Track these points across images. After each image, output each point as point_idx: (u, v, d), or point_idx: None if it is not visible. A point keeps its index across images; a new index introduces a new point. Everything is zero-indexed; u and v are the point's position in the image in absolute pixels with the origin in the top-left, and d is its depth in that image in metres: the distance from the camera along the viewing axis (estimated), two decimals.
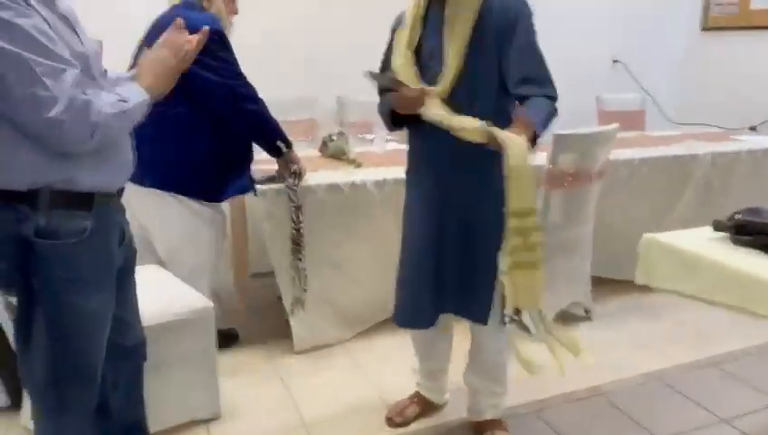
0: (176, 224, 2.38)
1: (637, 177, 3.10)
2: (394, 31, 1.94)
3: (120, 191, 1.48)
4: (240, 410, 2.23)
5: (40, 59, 1.19)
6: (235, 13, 2.55)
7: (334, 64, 3.88)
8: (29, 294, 1.34)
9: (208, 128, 2.32)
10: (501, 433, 2.09)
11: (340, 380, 2.46)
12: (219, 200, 2.45)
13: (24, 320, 1.37)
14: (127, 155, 1.45)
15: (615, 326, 2.95)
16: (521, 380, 2.22)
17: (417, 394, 2.22)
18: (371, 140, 3.40)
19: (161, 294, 2.11)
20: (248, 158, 2.47)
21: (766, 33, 4.47)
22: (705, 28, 4.86)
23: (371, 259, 2.68)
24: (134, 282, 1.62)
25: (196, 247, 2.41)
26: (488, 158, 1.66)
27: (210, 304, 2.13)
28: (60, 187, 1.31)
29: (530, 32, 1.78)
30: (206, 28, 1.49)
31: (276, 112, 3.74)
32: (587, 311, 3.02)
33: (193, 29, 1.49)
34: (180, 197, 2.34)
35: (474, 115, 1.72)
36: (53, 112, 1.20)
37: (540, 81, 1.76)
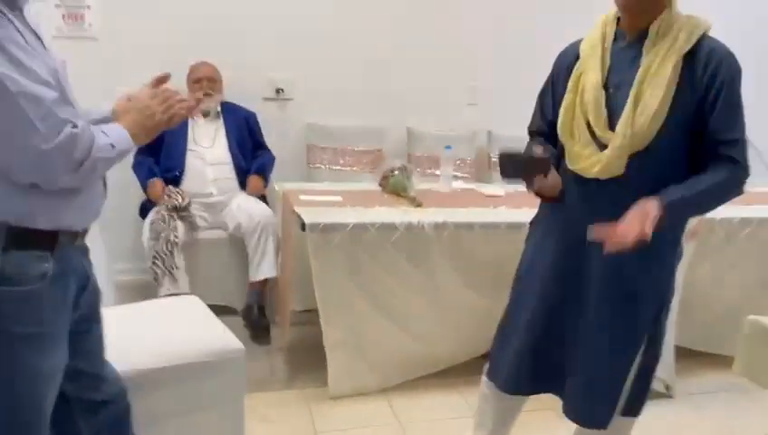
0: None
1: (735, 240, 2.73)
2: (564, 67, 1.67)
3: (85, 232, 1.32)
4: None
5: (24, 81, 1.07)
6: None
7: (406, 94, 3.73)
8: None
9: None
10: None
11: None
12: None
13: None
14: (98, 190, 1.31)
15: (700, 408, 2.57)
16: None
17: None
18: (439, 177, 3.19)
19: (190, 331, 1.97)
20: None
21: None
22: None
23: (424, 309, 2.46)
24: (101, 330, 1.45)
25: None
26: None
27: (241, 346, 1.96)
28: (19, 223, 1.15)
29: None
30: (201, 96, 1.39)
31: (342, 141, 3.68)
32: (668, 387, 2.65)
33: None
34: None
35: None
36: (48, 145, 1.08)
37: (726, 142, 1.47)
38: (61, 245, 1.22)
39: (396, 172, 2.77)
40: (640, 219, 1.37)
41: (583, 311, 1.62)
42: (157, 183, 3.00)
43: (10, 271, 1.15)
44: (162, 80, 1.40)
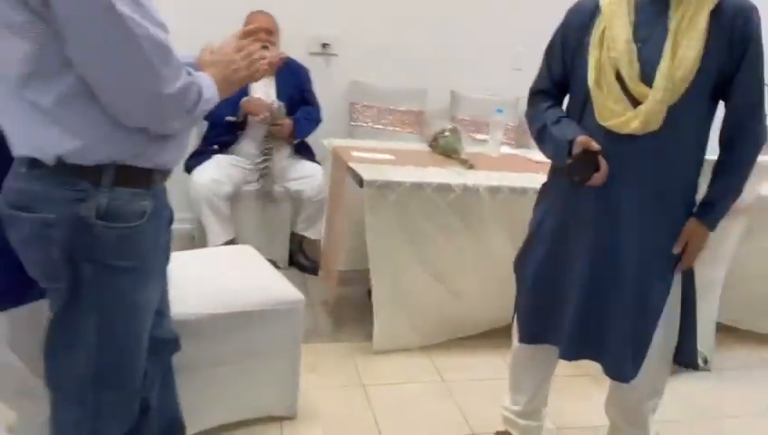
0: None
1: None
2: (578, 23, 1.60)
3: (170, 171, 1.33)
4: (316, 413, 2.09)
5: (146, 23, 1.07)
6: None
7: (450, 56, 3.68)
8: (78, 284, 1.16)
9: None
10: None
11: (423, 395, 2.27)
12: None
13: (67, 314, 1.19)
14: (186, 135, 1.32)
15: (736, 382, 2.59)
16: None
17: None
18: (483, 141, 3.17)
19: (251, 280, 2.00)
20: None
21: None
22: None
23: (472, 272, 2.48)
24: (167, 269, 1.47)
25: None
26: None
27: (301, 296, 1.98)
28: (123, 162, 1.16)
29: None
30: (284, 54, 1.47)
31: (385, 101, 3.65)
32: (706, 361, 2.67)
33: None
34: None
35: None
36: (170, 89, 1.08)
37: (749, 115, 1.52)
38: (155, 182, 1.24)
39: (447, 133, 2.76)
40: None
41: (618, 262, 1.58)
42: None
43: (115, 208, 1.16)
44: (251, 32, 1.39)
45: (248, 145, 3.09)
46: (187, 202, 2.95)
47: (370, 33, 3.54)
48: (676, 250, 1.57)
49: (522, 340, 1.81)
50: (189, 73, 1.16)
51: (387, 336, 2.47)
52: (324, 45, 3.54)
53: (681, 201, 1.57)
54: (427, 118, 3.65)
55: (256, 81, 1.39)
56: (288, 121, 3.06)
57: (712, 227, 1.57)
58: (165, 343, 1.49)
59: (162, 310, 1.46)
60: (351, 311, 2.77)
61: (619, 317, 1.60)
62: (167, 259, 1.44)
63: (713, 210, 1.56)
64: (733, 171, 1.56)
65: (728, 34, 1.46)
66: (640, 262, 1.57)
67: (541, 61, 1.73)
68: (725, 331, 2.78)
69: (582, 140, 1.53)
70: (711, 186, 1.57)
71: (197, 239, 3.15)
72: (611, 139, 1.53)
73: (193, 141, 3.08)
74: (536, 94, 1.73)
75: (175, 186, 1.38)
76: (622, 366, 1.62)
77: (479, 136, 3.46)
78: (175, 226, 1.46)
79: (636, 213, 1.55)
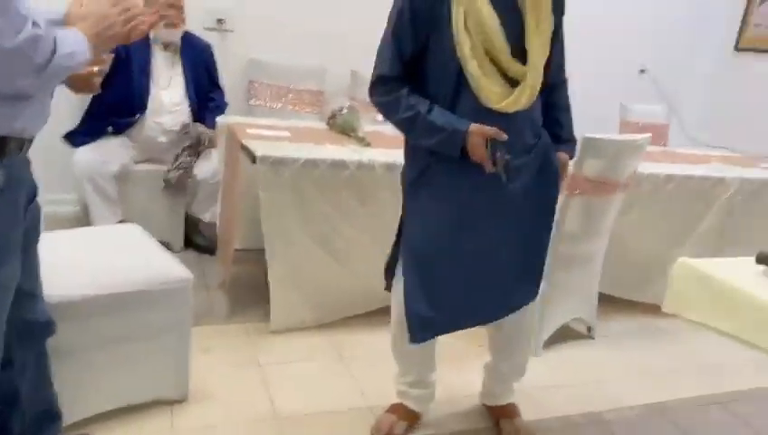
0: None
1: (660, 194, 2.91)
2: (428, 4, 1.58)
3: (31, 140, 1.24)
4: (209, 394, 2.04)
5: None
6: None
7: (351, 35, 3.66)
8: None
9: None
10: (518, 419, 2.04)
11: (321, 373, 2.27)
12: None
13: None
14: (49, 95, 1.24)
15: (617, 348, 2.77)
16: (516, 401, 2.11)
17: (403, 407, 2.00)
18: (383, 121, 3.18)
19: (136, 258, 1.91)
20: None
21: None
22: (739, 48, 4.66)
23: (367, 248, 2.49)
24: (37, 248, 1.39)
25: None
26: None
27: (190, 275, 1.92)
28: None
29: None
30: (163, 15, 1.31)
31: (284, 80, 3.59)
32: (589, 329, 2.84)
33: None
34: None
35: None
36: (9, 43, 1.00)
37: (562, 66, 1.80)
38: (9, 153, 1.14)
39: (344, 111, 2.75)
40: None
41: (503, 224, 1.71)
42: None
43: None
44: None
45: (148, 140, 2.97)
46: (73, 182, 2.78)
47: (268, 7, 3.46)
48: (562, 182, 1.78)
49: (413, 340, 1.77)
50: (37, 25, 1.06)
51: (283, 315, 2.45)
52: (220, 21, 3.42)
53: (545, 150, 1.74)
54: (327, 97, 3.62)
55: (132, 40, 1.29)
56: (213, 137, 3.01)
57: (573, 154, 1.84)
58: (37, 327, 1.41)
59: (33, 291, 1.37)
60: (249, 291, 2.72)
61: (512, 264, 1.76)
62: (35, 237, 1.35)
63: (570, 142, 1.82)
64: (567, 107, 1.83)
65: (558, 3, 1.66)
66: (530, 213, 1.74)
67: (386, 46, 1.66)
68: (607, 300, 2.95)
69: (491, 131, 1.57)
70: (560, 124, 1.79)
71: (83, 222, 2.98)
72: (493, 118, 1.59)
73: (76, 113, 2.91)
74: (389, 80, 1.65)
75: (57, 164, 1.30)
76: (527, 293, 1.84)
77: (380, 116, 3.47)
78: (59, 208, 1.37)
79: (523, 179, 1.67)
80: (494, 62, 1.57)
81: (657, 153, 3.40)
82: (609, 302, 2.97)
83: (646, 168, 2.85)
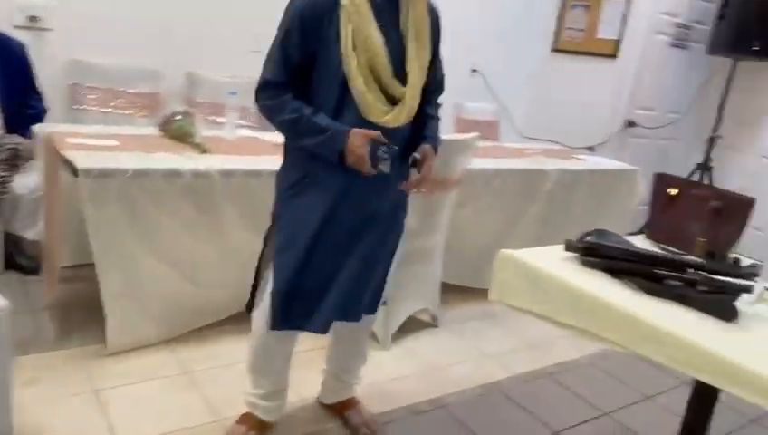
0: None
1: (490, 188, 3.14)
2: (317, 18, 1.62)
3: None
4: (39, 429, 1.88)
5: None
6: None
7: (187, 35, 3.53)
8: None
9: None
10: (362, 406, 2.15)
11: (165, 390, 2.18)
12: None
13: None
14: None
15: (459, 334, 2.96)
16: (363, 394, 2.17)
17: (252, 417, 1.97)
18: (222, 124, 3.11)
19: None
20: None
21: (606, 61, 4.80)
22: (555, 49, 5.13)
23: (209, 257, 2.43)
24: None
25: None
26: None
27: (5, 302, 1.75)
28: None
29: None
30: None
31: (113, 82, 3.37)
32: (434, 318, 3.00)
33: None
34: None
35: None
36: None
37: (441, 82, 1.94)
38: None
39: (179, 117, 2.64)
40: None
41: (362, 241, 1.80)
42: None
43: None
44: None
45: None
46: None
47: (92, 4, 3.22)
48: (422, 172, 1.82)
49: (275, 327, 1.79)
50: None
51: (122, 334, 2.31)
52: (32, 18, 3.13)
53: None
54: (162, 100, 3.46)
55: None
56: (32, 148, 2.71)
57: (437, 149, 1.87)
58: None
59: None
60: (82, 312, 2.53)
61: (363, 275, 1.85)
62: None
63: (436, 138, 1.88)
64: (437, 112, 1.93)
65: (434, 27, 1.78)
66: (383, 235, 1.86)
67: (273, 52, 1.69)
68: (450, 289, 3.13)
69: (373, 133, 1.65)
70: (428, 127, 1.86)
71: None
72: (375, 130, 1.67)
73: None
74: (274, 85, 1.68)
75: None
76: (371, 304, 1.94)
77: (220, 119, 3.38)
78: None
79: (394, 182, 1.79)
80: (377, 80, 1.66)
81: (488, 149, 3.66)
82: (451, 291, 3.15)
83: (476, 163, 3.05)
